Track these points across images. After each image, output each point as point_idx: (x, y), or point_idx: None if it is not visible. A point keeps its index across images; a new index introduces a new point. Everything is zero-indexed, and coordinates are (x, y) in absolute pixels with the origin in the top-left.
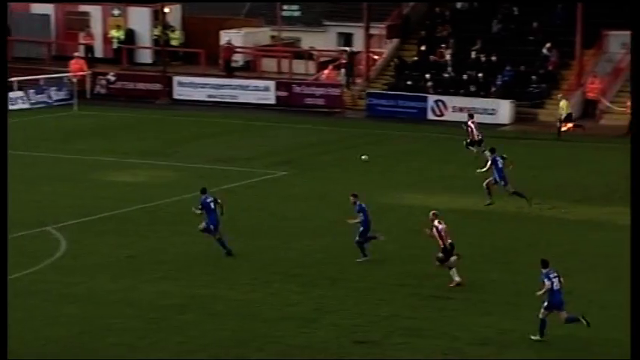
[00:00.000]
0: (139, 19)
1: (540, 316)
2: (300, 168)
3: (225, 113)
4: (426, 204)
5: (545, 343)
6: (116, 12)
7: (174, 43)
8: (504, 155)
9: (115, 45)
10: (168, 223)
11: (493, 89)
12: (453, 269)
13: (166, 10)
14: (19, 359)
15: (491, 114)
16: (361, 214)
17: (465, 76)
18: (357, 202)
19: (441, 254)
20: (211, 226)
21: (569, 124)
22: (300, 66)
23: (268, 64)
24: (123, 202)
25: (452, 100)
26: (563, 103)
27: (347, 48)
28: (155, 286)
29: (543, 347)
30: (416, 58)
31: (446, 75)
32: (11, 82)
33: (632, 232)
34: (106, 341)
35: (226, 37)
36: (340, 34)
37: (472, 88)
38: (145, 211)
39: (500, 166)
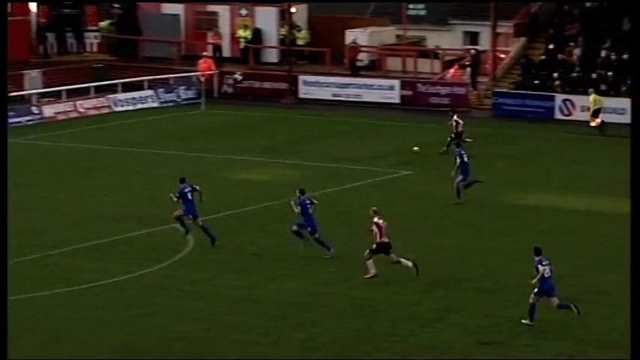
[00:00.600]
0: (266, 18)
1: (530, 301)
2: (424, 167)
3: (349, 112)
4: (552, 205)
5: None
6: (244, 12)
7: (300, 42)
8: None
9: (242, 44)
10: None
11: (623, 88)
12: (402, 260)
13: (293, 9)
14: (146, 355)
15: (621, 113)
16: (300, 208)
17: (594, 75)
18: (300, 197)
19: (374, 246)
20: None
21: (597, 120)
22: (425, 65)
23: (393, 63)
24: (248, 200)
25: (580, 100)
26: (593, 97)
27: (473, 47)
28: (279, 284)
29: None
30: (543, 57)
31: (574, 74)
32: (141, 81)
33: (632, 232)
34: (231, 337)
35: (352, 36)
36: (466, 32)
37: (602, 87)
38: (270, 209)
39: (465, 160)
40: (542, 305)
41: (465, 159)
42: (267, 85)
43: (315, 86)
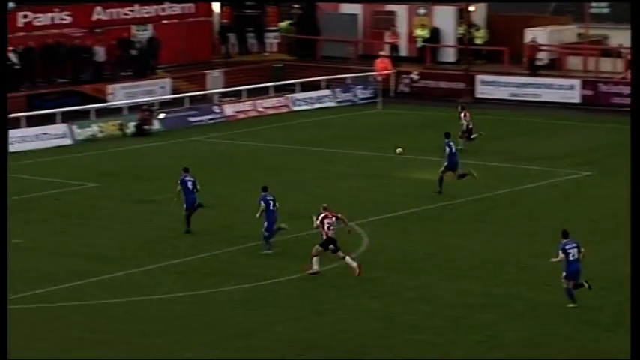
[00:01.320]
0: (444, 17)
1: (564, 286)
2: (605, 169)
3: (526, 112)
4: None
5: None
6: (421, 11)
7: (478, 41)
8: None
9: (420, 44)
10: (468, 222)
11: None
12: (347, 257)
13: (471, 8)
14: (321, 352)
15: None
16: (262, 204)
17: None
18: (262, 194)
19: (322, 242)
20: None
21: None
22: (607, 64)
23: (573, 62)
24: (424, 199)
25: None
26: None
27: None
28: (454, 284)
29: None
30: None
31: None
32: (319, 80)
33: (632, 231)
34: (405, 337)
35: (531, 35)
36: None
37: None
38: (447, 209)
39: (453, 151)
40: None
41: (454, 150)
42: (443, 84)
43: (492, 86)
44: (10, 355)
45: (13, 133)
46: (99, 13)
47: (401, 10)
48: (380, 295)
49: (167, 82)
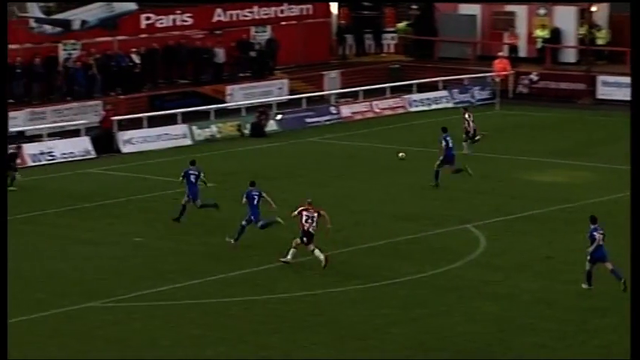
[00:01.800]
0: (565, 18)
1: (586, 268)
2: None
3: None
4: None
5: None
6: (542, 11)
7: (599, 42)
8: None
9: (539, 44)
10: (586, 225)
11: None
12: (316, 250)
13: (593, 8)
14: (437, 354)
15: None
16: (244, 199)
17: None
18: (249, 189)
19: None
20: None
21: None
22: None
23: None
24: (542, 201)
25: None
26: None
27: None
28: (573, 288)
29: None
30: None
31: None
32: (436, 81)
33: (632, 231)
34: (523, 340)
35: None
36: None
37: None
38: (565, 212)
39: (449, 145)
40: None
41: (450, 144)
42: (563, 85)
43: (614, 87)
44: (131, 354)
45: (135, 133)
46: (219, 15)
47: (520, 11)
48: (498, 298)
49: (285, 83)
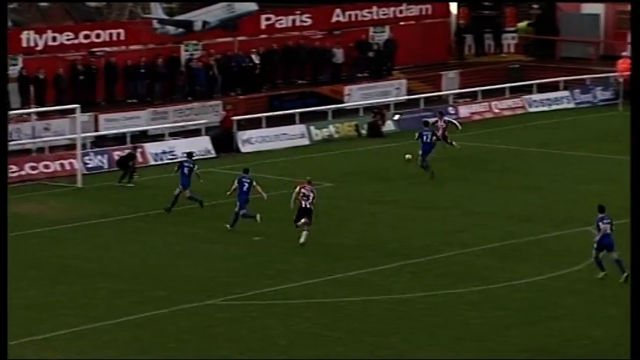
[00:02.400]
0: None
1: (593, 256)
2: None
3: None
4: None
5: None
6: None
7: None
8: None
9: None
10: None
11: None
12: (305, 231)
13: None
14: (556, 357)
15: None
16: (236, 184)
17: None
18: (241, 175)
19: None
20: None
21: None
22: None
23: None
24: None
25: None
26: None
27: None
28: None
29: None
30: None
31: None
32: (557, 81)
33: (632, 230)
34: None
35: None
36: None
37: None
38: None
39: (427, 140)
40: None
41: (428, 139)
42: None
43: None
44: (248, 352)
45: (254, 133)
46: (338, 16)
47: None
48: (620, 302)
49: (402, 83)
